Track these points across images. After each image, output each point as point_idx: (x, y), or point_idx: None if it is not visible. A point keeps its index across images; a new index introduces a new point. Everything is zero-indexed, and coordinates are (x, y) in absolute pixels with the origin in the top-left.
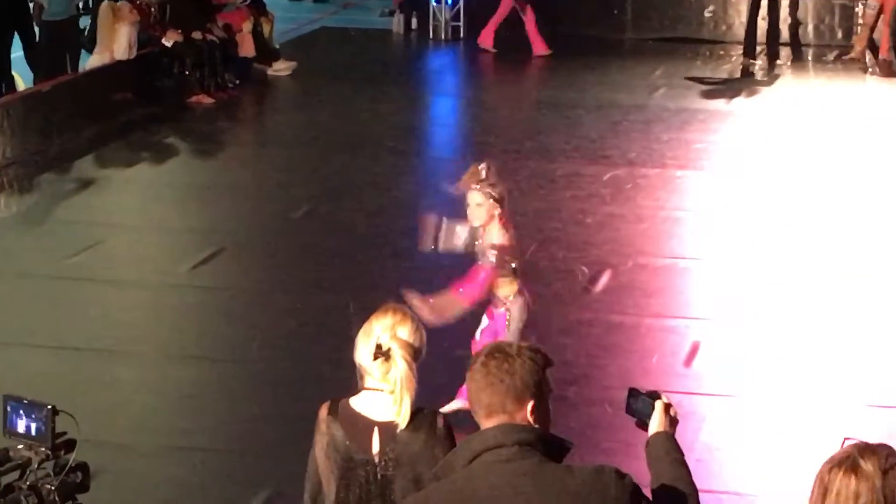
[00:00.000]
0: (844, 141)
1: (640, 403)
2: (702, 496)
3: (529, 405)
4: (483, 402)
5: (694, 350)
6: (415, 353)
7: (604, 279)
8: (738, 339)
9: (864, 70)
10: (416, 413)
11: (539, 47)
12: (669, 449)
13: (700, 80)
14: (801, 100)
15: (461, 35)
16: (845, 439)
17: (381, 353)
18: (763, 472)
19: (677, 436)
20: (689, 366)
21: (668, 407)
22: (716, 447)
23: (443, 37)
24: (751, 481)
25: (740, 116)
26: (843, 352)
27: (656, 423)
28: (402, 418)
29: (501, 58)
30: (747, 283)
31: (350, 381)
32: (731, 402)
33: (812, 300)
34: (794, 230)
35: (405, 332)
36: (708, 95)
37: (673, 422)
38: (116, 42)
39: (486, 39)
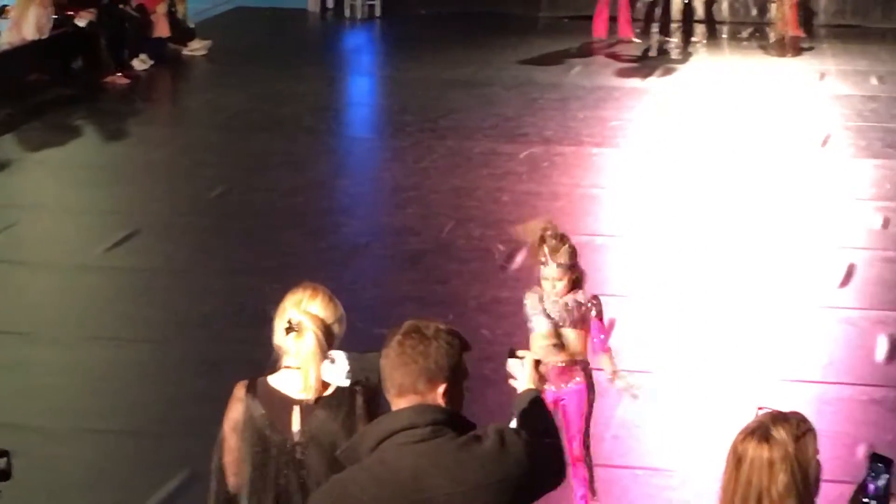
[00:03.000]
0: (757, 118)
1: (511, 363)
2: (619, 472)
3: (441, 388)
4: (395, 381)
5: (610, 326)
6: (326, 328)
7: (520, 257)
8: (654, 315)
9: (786, 48)
10: (336, 391)
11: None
12: (534, 402)
13: (615, 58)
14: (715, 77)
15: (377, 14)
16: (759, 409)
17: (291, 327)
18: (680, 447)
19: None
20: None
21: (537, 363)
22: (632, 423)
23: (358, 16)
24: (668, 456)
25: (655, 94)
26: (758, 327)
27: (525, 380)
28: (308, 391)
29: (418, 36)
30: (664, 259)
31: (268, 361)
32: (647, 378)
33: (728, 276)
34: (710, 206)
35: (315, 306)
36: (623, 73)
37: (542, 379)
38: (26, 21)
39: (626, 31)
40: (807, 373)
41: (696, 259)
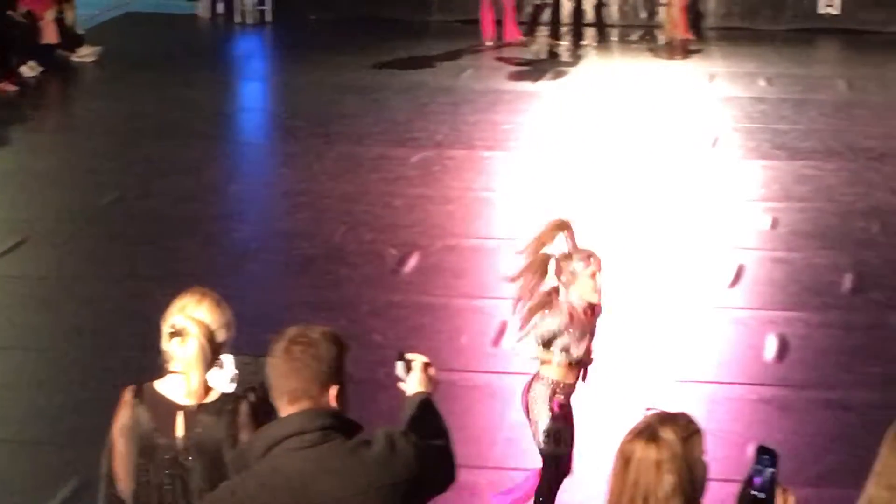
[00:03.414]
0: (648, 120)
1: (399, 366)
2: (513, 475)
3: (334, 390)
4: (287, 388)
5: (502, 329)
6: (210, 333)
7: (412, 261)
8: None
9: (675, 50)
10: (220, 397)
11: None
12: (423, 405)
13: (507, 62)
14: (605, 80)
15: (267, 19)
16: (647, 409)
17: (175, 333)
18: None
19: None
20: (498, 345)
21: (426, 366)
22: (526, 425)
23: (249, 21)
24: None
25: (547, 97)
26: (650, 328)
27: (414, 383)
28: (191, 396)
29: (308, 42)
30: None
31: (159, 368)
32: None
33: (621, 278)
34: (602, 208)
35: (201, 311)
36: (514, 77)
37: (432, 382)
38: None
39: (513, 33)
40: (698, 373)
41: None
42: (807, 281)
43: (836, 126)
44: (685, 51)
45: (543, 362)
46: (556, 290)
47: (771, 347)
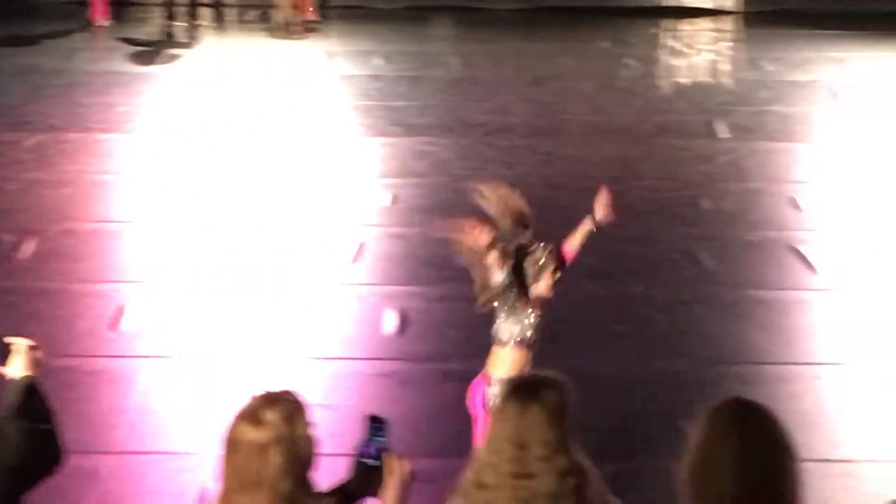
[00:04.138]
0: (267, 100)
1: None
2: (136, 458)
3: None
4: None
5: (120, 313)
6: None
7: (28, 246)
8: (173, 301)
9: (293, 29)
10: None
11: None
12: (28, 389)
13: (122, 42)
14: (224, 60)
15: None
16: (255, 391)
17: None
18: (196, 430)
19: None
20: (116, 329)
21: (32, 349)
22: (148, 409)
23: None
24: (184, 440)
25: (164, 78)
26: (276, 307)
27: (18, 367)
28: None
29: None
30: (181, 244)
31: None
32: (167, 364)
33: (246, 258)
34: (225, 189)
35: None
36: (130, 58)
37: (37, 365)
38: None
39: (100, 14)
40: (322, 350)
41: (214, 243)
42: (425, 255)
43: (450, 102)
44: (304, 30)
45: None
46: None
47: (391, 322)
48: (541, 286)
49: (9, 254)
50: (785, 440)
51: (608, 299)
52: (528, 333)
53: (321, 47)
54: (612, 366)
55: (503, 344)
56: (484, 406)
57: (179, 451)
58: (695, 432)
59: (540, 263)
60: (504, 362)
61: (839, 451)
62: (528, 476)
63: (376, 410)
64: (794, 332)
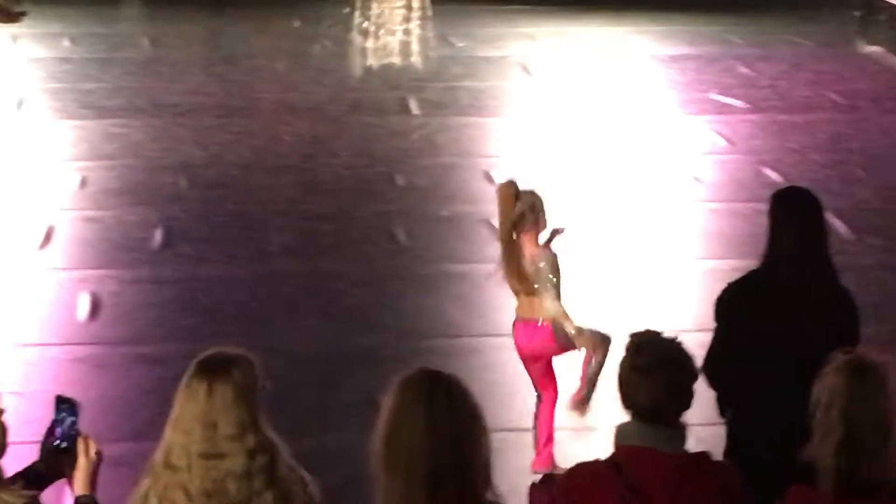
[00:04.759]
0: None
1: None
2: None
3: None
4: None
5: None
6: None
7: None
8: None
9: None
10: None
11: None
12: None
13: None
14: None
15: None
16: None
17: None
18: None
19: None
20: None
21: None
22: None
23: None
24: None
25: None
26: None
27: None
28: None
29: None
30: None
31: None
32: None
33: None
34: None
35: None
36: None
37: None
38: None
39: None
40: (16, 337)
41: None
42: (117, 238)
43: (141, 83)
44: (8, 15)
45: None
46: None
47: (84, 306)
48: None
49: None
50: (474, 409)
51: (302, 276)
52: None
53: (5, 30)
54: (309, 342)
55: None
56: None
57: None
58: (385, 404)
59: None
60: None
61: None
62: (219, 456)
63: (70, 395)
64: (488, 305)
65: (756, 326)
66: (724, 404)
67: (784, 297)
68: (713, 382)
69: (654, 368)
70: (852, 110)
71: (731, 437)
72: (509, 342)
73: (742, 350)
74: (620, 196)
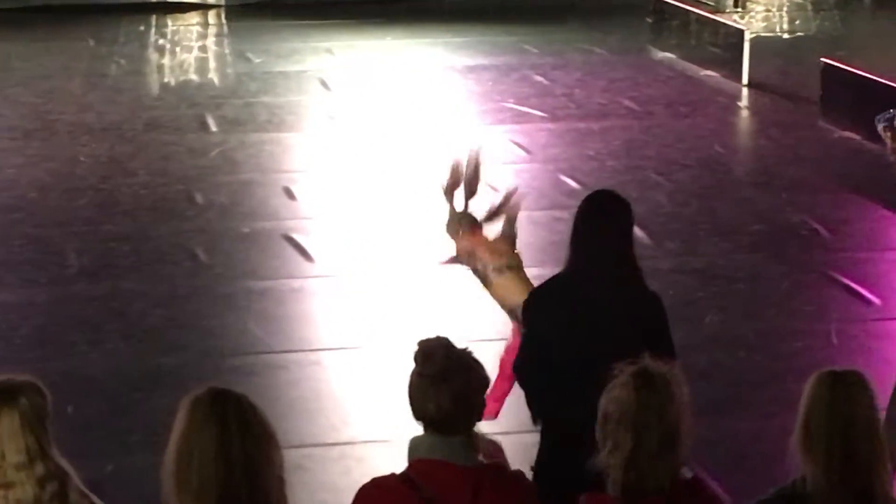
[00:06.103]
0: None
1: None
2: None
3: None
4: None
5: None
6: None
7: None
8: None
9: None
10: None
11: None
12: None
13: None
14: None
15: None
16: None
17: None
18: None
19: None
20: None
21: None
22: None
23: None
24: None
25: None
26: None
27: None
28: None
29: None
30: None
31: None
32: None
33: None
34: None
35: None
36: None
37: None
38: None
39: None
40: None
41: None
42: None
43: None
44: None
45: None
46: None
47: None
48: None
49: None
50: (265, 427)
51: (101, 298)
52: None
53: None
54: (109, 365)
55: None
56: None
57: None
58: (175, 426)
59: None
60: None
61: (338, 434)
62: (8, 486)
63: None
64: (291, 321)
65: (558, 332)
66: (535, 410)
67: (587, 301)
68: (522, 388)
69: (443, 377)
70: (647, 116)
71: (540, 444)
72: (313, 357)
73: (545, 355)
74: (419, 207)
